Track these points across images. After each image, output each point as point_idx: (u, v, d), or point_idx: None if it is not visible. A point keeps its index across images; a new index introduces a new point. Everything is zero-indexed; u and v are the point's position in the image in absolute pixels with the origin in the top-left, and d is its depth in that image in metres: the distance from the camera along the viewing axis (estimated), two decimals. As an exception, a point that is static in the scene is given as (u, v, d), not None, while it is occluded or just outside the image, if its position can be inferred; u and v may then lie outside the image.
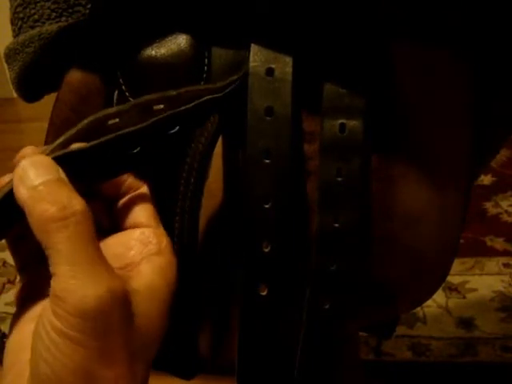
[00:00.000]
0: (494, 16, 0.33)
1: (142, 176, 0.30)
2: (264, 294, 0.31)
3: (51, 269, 0.23)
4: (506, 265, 1.04)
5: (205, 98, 0.30)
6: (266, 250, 0.31)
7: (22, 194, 0.24)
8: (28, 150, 0.28)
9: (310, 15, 0.32)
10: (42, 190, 0.23)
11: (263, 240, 0.31)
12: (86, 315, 0.22)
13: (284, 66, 0.31)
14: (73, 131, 0.28)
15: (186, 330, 0.38)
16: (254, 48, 0.31)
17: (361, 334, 0.46)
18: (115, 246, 0.27)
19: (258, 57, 0.31)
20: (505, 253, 1.08)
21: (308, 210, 0.33)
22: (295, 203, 0.33)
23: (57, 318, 0.22)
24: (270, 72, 0.31)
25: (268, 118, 0.31)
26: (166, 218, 0.31)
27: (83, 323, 0.22)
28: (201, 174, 0.32)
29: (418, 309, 0.93)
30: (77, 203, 0.23)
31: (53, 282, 0.23)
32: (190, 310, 0.37)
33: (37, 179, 0.24)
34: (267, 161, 0.31)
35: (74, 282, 0.22)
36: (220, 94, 0.30)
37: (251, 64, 0.31)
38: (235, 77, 0.31)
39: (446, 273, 0.39)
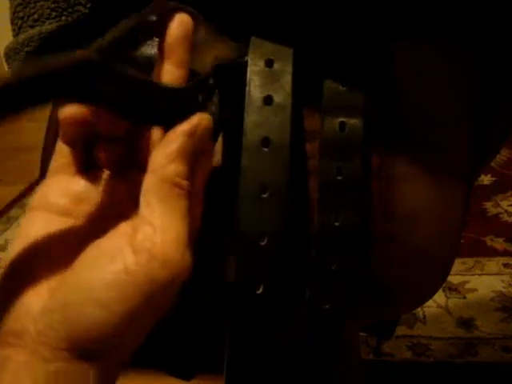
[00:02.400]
0: (495, 15, 0.33)
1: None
2: (260, 291, 0.31)
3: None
4: (506, 265, 1.04)
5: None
6: (262, 244, 0.30)
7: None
8: None
9: (310, 13, 0.32)
10: None
11: (261, 237, 0.31)
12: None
13: (284, 57, 0.31)
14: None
15: (185, 330, 0.38)
16: (253, 40, 0.31)
17: (361, 334, 0.46)
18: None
19: (257, 49, 0.31)
20: (505, 253, 1.08)
21: (308, 209, 0.33)
22: (295, 202, 0.33)
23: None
24: (269, 63, 0.31)
25: (267, 107, 0.30)
26: None
27: None
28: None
29: (418, 309, 0.93)
30: None
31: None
32: (189, 310, 0.37)
33: None
34: (265, 149, 0.30)
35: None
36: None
37: (250, 55, 0.31)
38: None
39: (447, 273, 0.39)
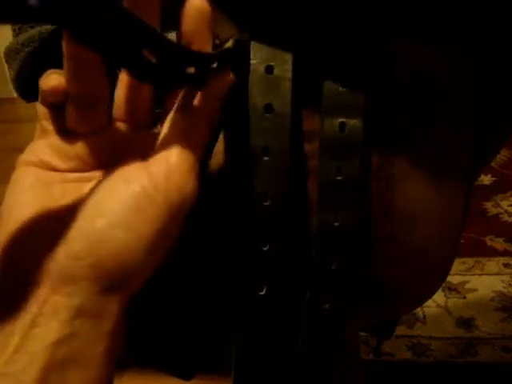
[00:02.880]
0: (495, 16, 0.33)
1: None
2: (263, 293, 0.31)
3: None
4: (506, 265, 1.04)
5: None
6: (265, 249, 0.31)
7: None
8: None
9: (310, 14, 0.32)
10: None
11: (262, 238, 0.31)
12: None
13: (284, 63, 0.31)
14: None
15: (185, 330, 0.39)
16: (253, 45, 0.31)
17: (361, 333, 0.46)
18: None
19: (257, 54, 0.31)
20: (505, 253, 1.08)
21: (308, 209, 0.33)
22: (295, 202, 0.33)
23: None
24: (269, 69, 0.31)
25: (267, 115, 0.31)
26: None
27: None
28: (202, 171, 0.32)
29: (418, 309, 0.93)
30: None
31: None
32: (189, 309, 0.37)
33: None
34: (266, 158, 0.31)
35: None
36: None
37: (251, 61, 0.31)
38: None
39: (447, 273, 0.39)
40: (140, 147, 0.27)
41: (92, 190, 0.24)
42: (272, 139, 0.31)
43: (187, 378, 0.41)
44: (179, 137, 0.25)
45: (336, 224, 0.31)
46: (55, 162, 0.27)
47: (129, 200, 0.23)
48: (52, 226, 0.24)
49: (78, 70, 0.26)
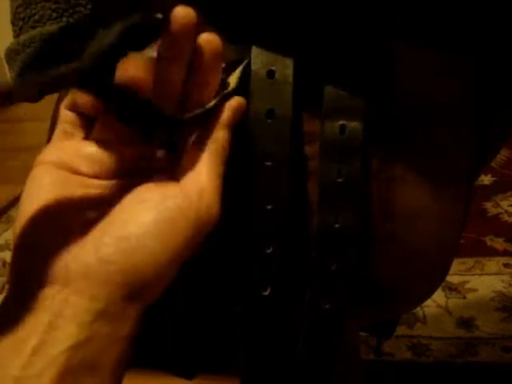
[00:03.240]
0: (495, 17, 0.33)
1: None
2: (266, 293, 0.31)
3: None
4: (506, 265, 1.04)
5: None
6: (268, 251, 0.31)
7: None
8: None
9: (310, 17, 0.32)
10: None
11: (265, 241, 0.31)
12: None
13: (285, 68, 0.31)
14: None
15: (186, 330, 0.39)
16: (254, 50, 0.31)
17: (361, 333, 0.46)
18: None
19: (259, 59, 0.31)
20: (505, 253, 1.08)
21: (308, 211, 0.33)
22: (296, 204, 0.33)
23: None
24: (270, 74, 0.31)
25: (269, 121, 0.31)
26: None
27: None
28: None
29: (418, 309, 0.93)
30: None
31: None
32: (190, 310, 0.37)
33: None
34: (268, 163, 0.31)
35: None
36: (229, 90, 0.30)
37: (252, 67, 0.31)
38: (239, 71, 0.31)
39: (446, 273, 0.39)
40: (163, 164, 0.28)
41: (124, 199, 0.25)
42: (273, 144, 0.31)
43: (189, 377, 0.41)
44: (207, 161, 0.27)
45: (336, 225, 0.32)
46: (78, 164, 0.26)
47: (164, 212, 0.24)
48: (71, 227, 0.24)
49: None
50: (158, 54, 0.26)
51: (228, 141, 0.29)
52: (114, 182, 0.27)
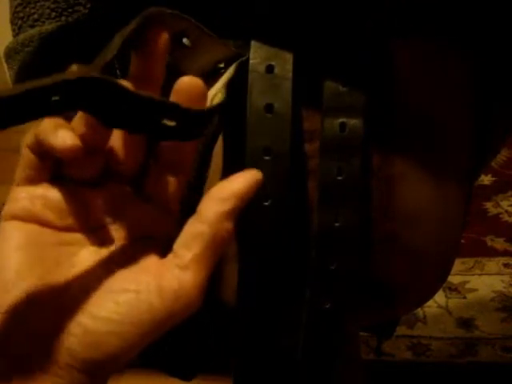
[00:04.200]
0: (495, 15, 0.33)
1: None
2: (266, 293, 0.31)
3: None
4: (506, 265, 1.04)
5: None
6: (267, 250, 0.31)
7: None
8: None
9: (310, 13, 0.32)
10: None
11: (263, 239, 0.31)
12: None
13: (284, 62, 0.31)
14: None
15: (185, 330, 0.38)
16: (254, 44, 0.31)
17: (361, 333, 0.46)
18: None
19: (258, 53, 0.31)
20: (505, 253, 1.08)
21: (308, 209, 0.33)
22: (296, 202, 0.33)
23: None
24: (270, 69, 0.31)
25: (268, 116, 0.31)
26: None
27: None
28: (200, 173, 0.32)
29: (418, 309, 0.93)
30: None
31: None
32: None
33: None
34: (267, 158, 0.31)
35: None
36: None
37: (251, 61, 0.31)
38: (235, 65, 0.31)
39: (447, 273, 0.39)
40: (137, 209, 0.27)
41: (97, 277, 0.24)
42: (272, 140, 0.31)
43: (188, 378, 0.41)
44: (198, 254, 0.24)
45: (336, 224, 0.31)
46: (49, 216, 0.25)
47: (133, 316, 0.23)
48: (43, 301, 0.24)
49: (92, 130, 0.24)
50: (131, 73, 0.26)
51: (232, 231, 0.24)
52: (89, 235, 0.26)
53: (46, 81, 0.20)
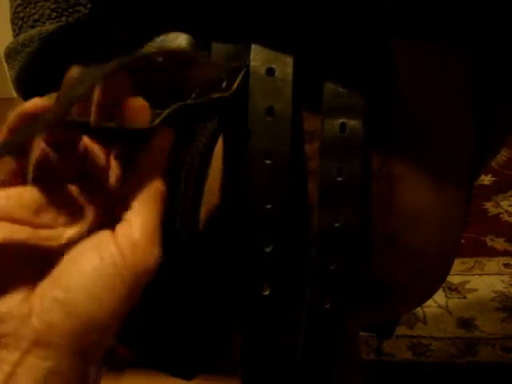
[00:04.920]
0: (495, 15, 0.33)
1: None
2: (266, 293, 0.31)
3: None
4: (506, 265, 1.04)
5: (215, 95, 0.29)
6: (268, 250, 0.31)
7: None
8: None
9: (310, 15, 0.32)
10: None
11: (264, 240, 0.31)
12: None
13: (284, 65, 0.31)
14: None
15: (185, 330, 0.38)
16: (254, 48, 0.31)
17: (361, 333, 0.46)
18: None
19: (258, 57, 0.31)
20: (505, 253, 1.07)
21: (308, 210, 0.33)
22: (296, 203, 0.33)
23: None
24: (270, 72, 0.31)
25: (269, 118, 0.31)
26: (166, 217, 0.31)
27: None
28: (201, 173, 0.32)
29: (418, 309, 0.93)
30: None
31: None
32: (189, 310, 0.37)
33: None
34: (268, 161, 0.31)
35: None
36: (227, 94, 0.30)
37: (252, 64, 0.31)
38: (239, 78, 0.31)
39: (446, 273, 0.39)
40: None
41: (66, 257, 0.25)
42: (273, 142, 0.31)
43: (188, 378, 0.41)
44: (141, 211, 0.26)
45: (336, 225, 0.31)
46: (21, 214, 0.26)
47: (103, 279, 0.25)
48: (19, 287, 0.24)
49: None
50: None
51: (165, 184, 0.27)
52: (59, 230, 0.26)
53: None
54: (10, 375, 0.23)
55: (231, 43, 0.32)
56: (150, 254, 0.26)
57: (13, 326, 0.24)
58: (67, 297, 0.24)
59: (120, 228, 0.26)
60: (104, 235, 0.26)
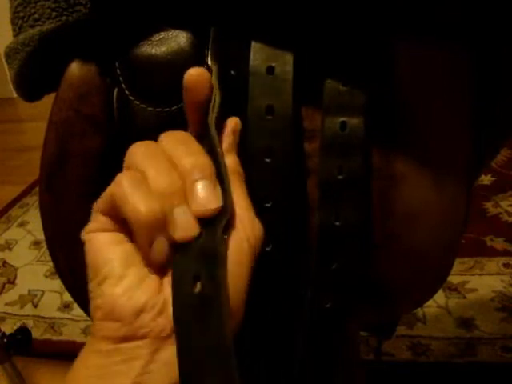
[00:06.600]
0: (495, 14, 0.33)
1: None
2: (267, 293, 0.31)
3: None
4: (506, 265, 1.04)
5: None
6: (268, 249, 0.31)
7: None
8: None
9: (310, 13, 0.32)
10: None
11: (265, 239, 0.31)
12: None
13: (284, 64, 0.31)
14: None
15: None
16: (254, 46, 0.31)
17: (361, 333, 0.46)
18: None
19: (258, 55, 0.31)
20: (505, 253, 1.08)
21: (309, 209, 0.33)
22: (296, 202, 0.33)
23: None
24: (270, 70, 0.31)
25: (269, 117, 0.31)
26: None
27: None
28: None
29: (418, 309, 0.93)
30: None
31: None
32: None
33: None
34: (268, 160, 0.31)
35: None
36: None
37: (252, 63, 0.31)
38: None
39: (447, 273, 0.39)
40: None
41: None
42: (273, 141, 0.31)
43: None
44: (236, 192, 0.28)
45: (337, 223, 0.31)
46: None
47: (230, 256, 0.26)
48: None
49: None
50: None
51: (239, 164, 0.29)
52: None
53: None
54: (144, 368, 0.23)
55: (231, 41, 0.32)
56: (257, 226, 0.27)
57: (150, 317, 0.23)
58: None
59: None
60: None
